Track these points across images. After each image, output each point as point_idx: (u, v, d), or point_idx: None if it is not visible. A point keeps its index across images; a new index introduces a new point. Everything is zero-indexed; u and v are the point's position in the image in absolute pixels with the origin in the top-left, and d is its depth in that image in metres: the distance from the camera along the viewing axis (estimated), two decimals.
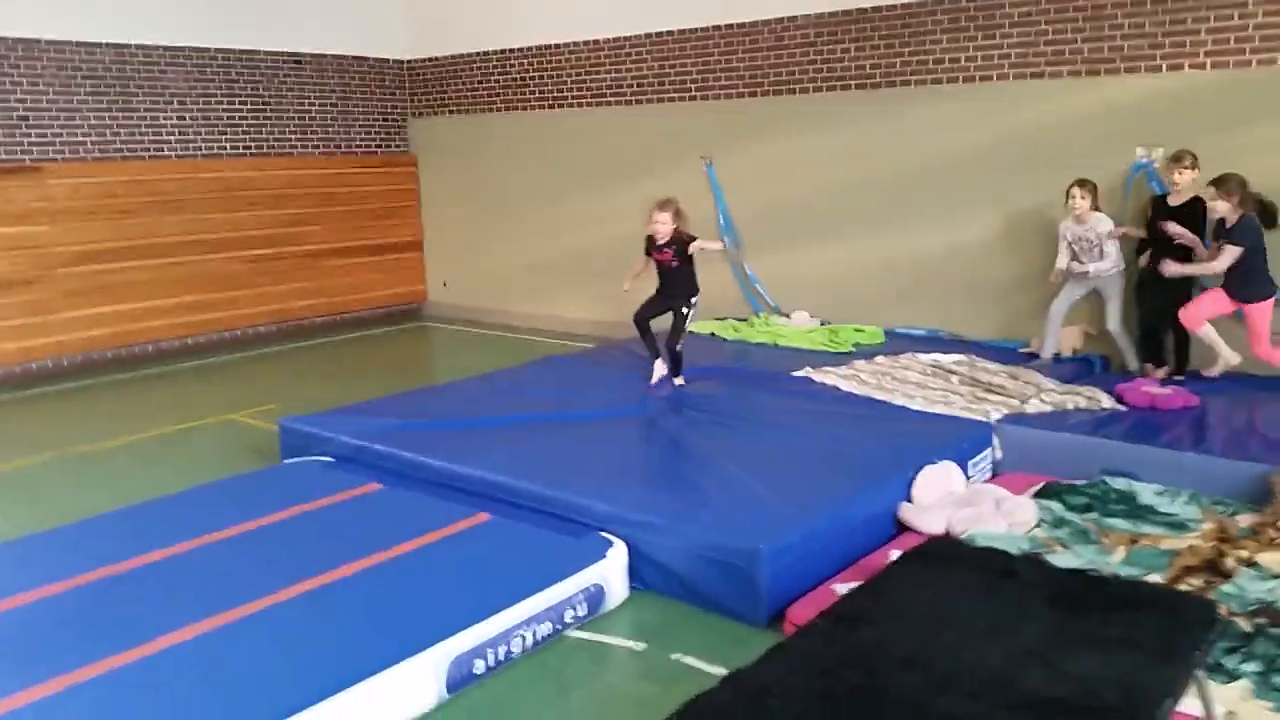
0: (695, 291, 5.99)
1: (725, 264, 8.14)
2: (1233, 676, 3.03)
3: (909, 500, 4.30)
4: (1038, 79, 6.62)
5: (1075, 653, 2.29)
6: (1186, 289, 5.83)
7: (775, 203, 7.87)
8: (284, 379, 8.01)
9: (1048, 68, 6.58)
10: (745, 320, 7.80)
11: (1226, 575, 3.68)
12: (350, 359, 8.82)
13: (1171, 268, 5.67)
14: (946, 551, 2.88)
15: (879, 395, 5.48)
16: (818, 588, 3.63)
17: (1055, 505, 4.34)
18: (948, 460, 4.52)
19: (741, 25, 7.93)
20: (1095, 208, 6.07)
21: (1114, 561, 3.81)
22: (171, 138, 8.99)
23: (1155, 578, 3.65)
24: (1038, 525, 4.15)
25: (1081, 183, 6.06)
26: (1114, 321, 6.12)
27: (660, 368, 6.00)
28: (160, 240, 8.78)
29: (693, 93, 8.27)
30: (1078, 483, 4.58)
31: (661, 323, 6.06)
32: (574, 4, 8.97)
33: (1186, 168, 5.76)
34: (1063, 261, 6.18)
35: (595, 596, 3.64)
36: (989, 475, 4.91)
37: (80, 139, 8.40)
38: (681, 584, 3.77)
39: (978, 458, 4.83)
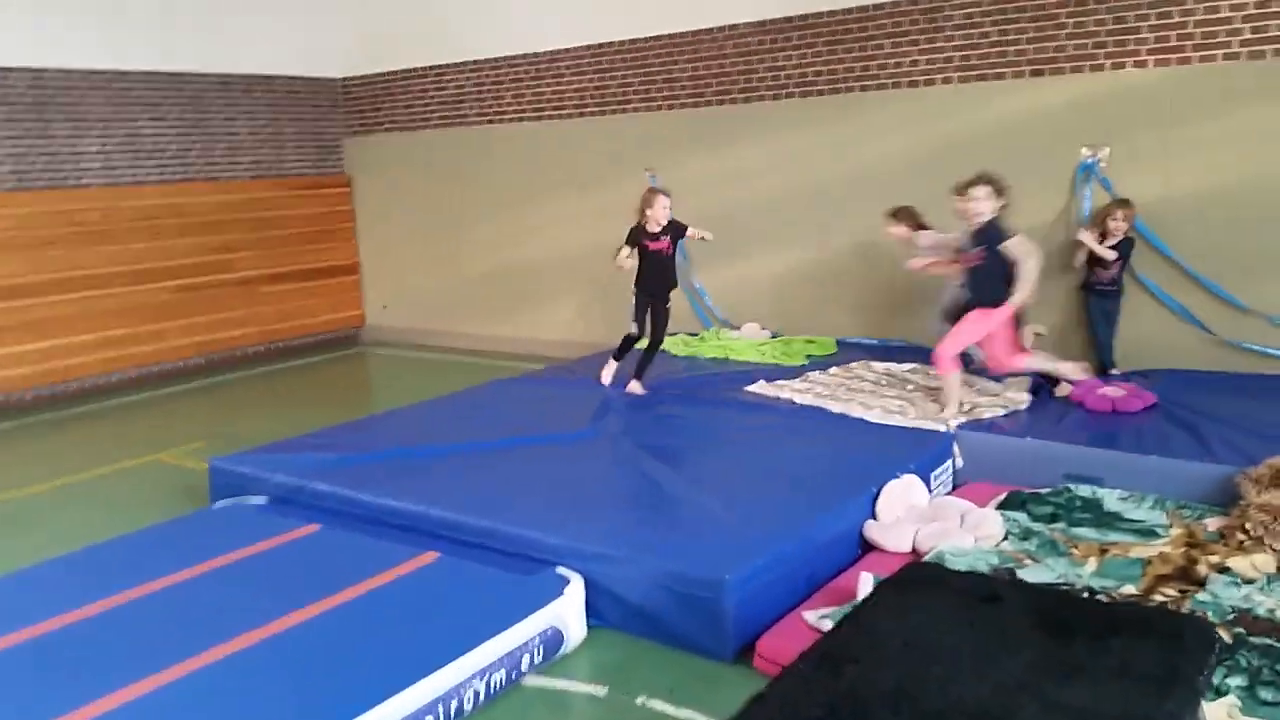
0: (676, 284, 5.83)
1: None
2: (1218, 692, 2.91)
3: (874, 517, 4.15)
4: (982, 81, 6.57)
5: (1069, 684, 2.15)
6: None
7: (722, 213, 7.70)
8: (215, 414, 7.67)
9: (991, 70, 6.54)
10: (696, 335, 7.65)
11: (1200, 583, 3.59)
12: (286, 389, 8.50)
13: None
14: (925, 577, 2.73)
15: (835, 407, 5.34)
16: (786, 616, 3.47)
17: (1020, 516, 4.24)
18: (910, 474, 4.38)
19: (682, 34, 7.80)
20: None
21: (1086, 573, 3.69)
22: (94, 165, 8.61)
23: (1129, 589, 3.54)
24: (1005, 538, 4.03)
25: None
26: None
27: (613, 367, 5.83)
28: (83, 272, 8.38)
29: (635, 104, 8.12)
30: (1041, 490, 4.48)
31: None
32: (510, 18, 8.78)
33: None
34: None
35: (553, 639, 3.43)
36: (950, 486, 4.79)
37: None
38: (642, 619, 3.58)
39: (939, 469, 4.71)
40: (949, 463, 4.78)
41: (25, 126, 8.14)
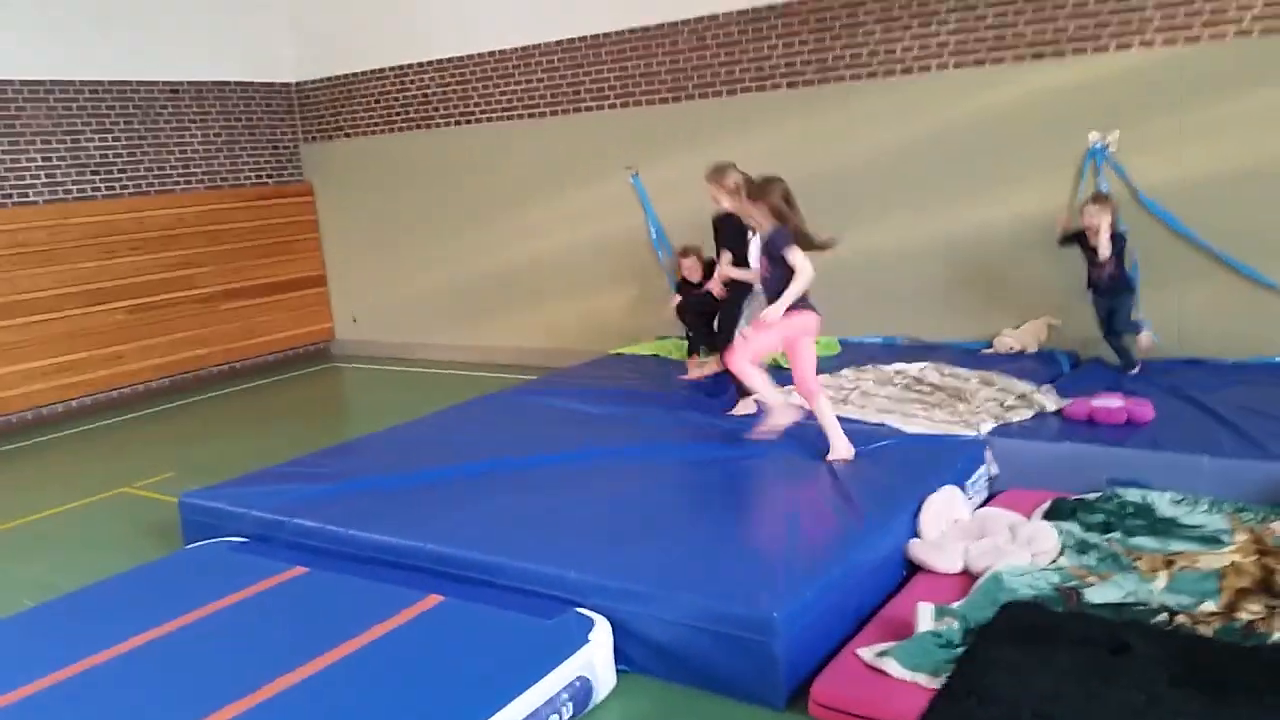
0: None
1: (661, 280, 7.64)
2: None
3: (916, 535, 3.83)
4: (979, 67, 6.28)
5: None
6: None
7: (707, 213, 7.36)
8: (182, 440, 7.19)
9: (990, 54, 6.25)
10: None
11: None
12: (256, 410, 8.03)
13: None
14: (1032, 624, 2.40)
15: (853, 414, 5.01)
16: (839, 654, 3.12)
17: (1071, 526, 3.92)
18: (949, 485, 4.07)
19: (659, 26, 7.45)
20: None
21: (1157, 590, 3.39)
22: (37, 181, 8.08)
23: (1209, 605, 3.23)
24: (1061, 552, 3.72)
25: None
26: None
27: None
28: (30, 296, 7.86)
29: (611, 101, 7.75)
30: (1087, 497, 4.18)
31: None
32: (477, 14, 8.37)
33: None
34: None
35: (582, 692, 3.06)
36: (985, 495, 4.48)
37: None
38: (676, 663, 3.22)
39: (974, 476, 4.40)
40: (983, 470, 4.47)
41: None
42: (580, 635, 3.15)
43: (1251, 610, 3.22)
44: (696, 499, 4.02)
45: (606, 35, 7.70)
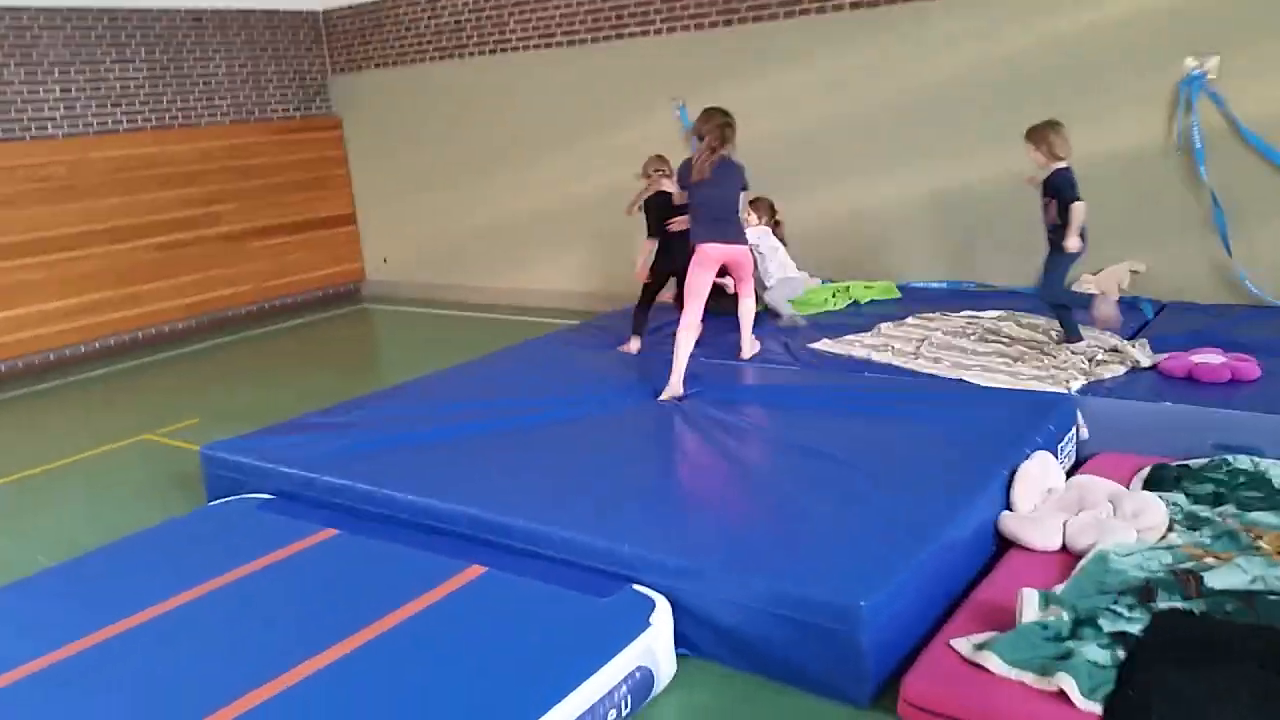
0: None
1: None
2: None
3: (1008, 507, 3.45)
4: None
5: None
6: None
7: (760, 146, 6.85)
8: (207, 384, 6.92)
9: None
10: None
11: None
12: (283, 354, 7.74)
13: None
14: (1193, 636, 2.03)
15: (926, 368, 4.61)
16: (930, 645, 2.77)
17: (1178, 497, 3.53)
18: (1042, 451, 3.67)
19: None
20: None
21: None
22: (56, 114, 7.74)
23: None
24: (1170, 528, 3.33)
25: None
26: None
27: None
28: (51, 233, 7.58)
29: (657, 25, 7.25)
30: (1191, 463, 3.77)
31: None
32: None
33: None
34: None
35: (642, 683, 2.73)
36: (1074, 461, 4.09)
37: None
38: (744, 650, 2.89)
39: (1063, 440, 3.99)
40: (1073, 432, 4.07)
41: None
42: (640, 618, 2.81)
43: None
44: (753, 459, 3.65)
45: None
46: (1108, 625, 2.76)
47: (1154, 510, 3.37)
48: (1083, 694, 2.44)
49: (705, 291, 4.58)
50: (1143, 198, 5.64)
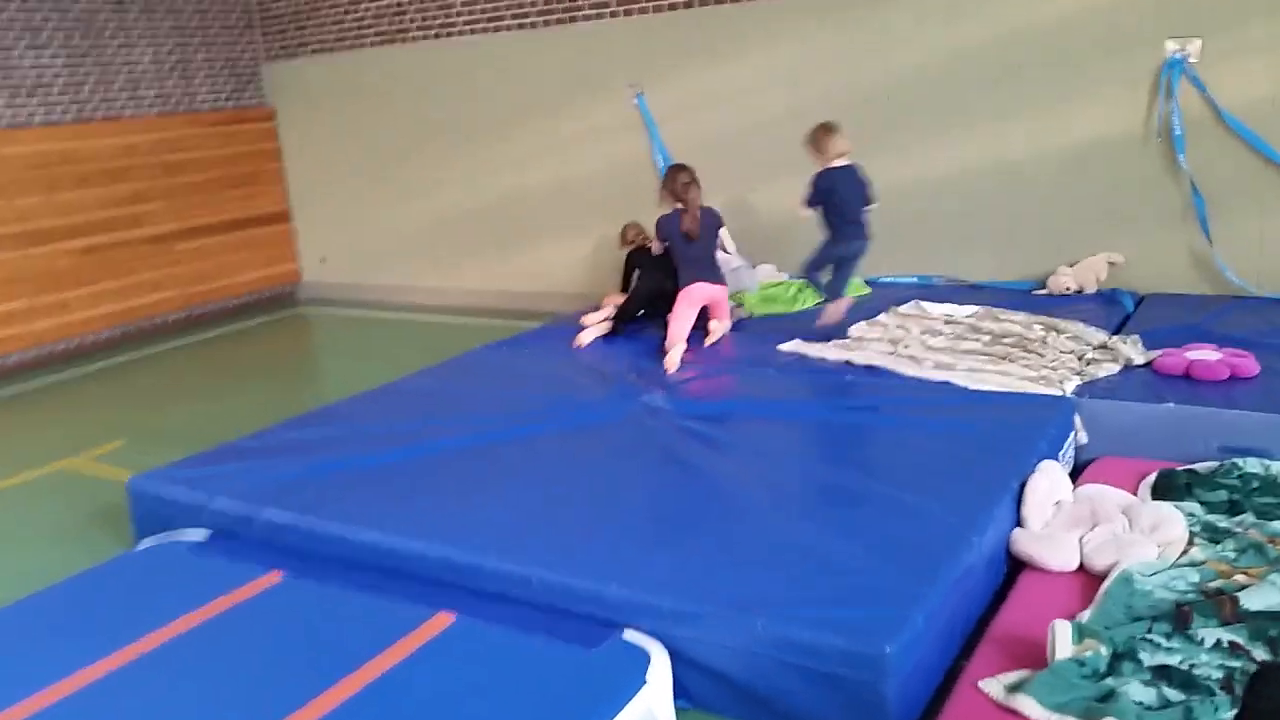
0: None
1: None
2: None
3: (1019, 524, 3.21)
4: None
5: None
6: None
7: (722, 135, 6.63)
8: (134, 400, 6.44)
9: None
10: None
11: None
12: (216, 365, 7.27)
13: None
14: None
15: (909, 370, 4.36)
16: (956, 689, 2.50)
17: (1193, 507, 3.32)
18: (1048, 460, 3.44)
19: None
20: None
21: None
22: None
23: None
24: (1191, 542, 3.12)
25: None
26: None
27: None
28: None
29: (613, 7, 6.90)
30: (1198, 468, 3.57)
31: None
32: None
33: None
34: None
35: None
36: (1071, 466, 3.87)
37: None
38: (750, 701, 2.60)
39: (1064, 446, 3.77)
40: (1071, 437, 3.85)
41: None
42: (635, 674, 2.51)
43: None
44: (740, 479, 3.36)
45: None
46: (1147, 658, 2.54)
47: (1173, 523, 3.15)
48: None
49: (690, 321, 5.04)
50: (1120, 187, 5.46)
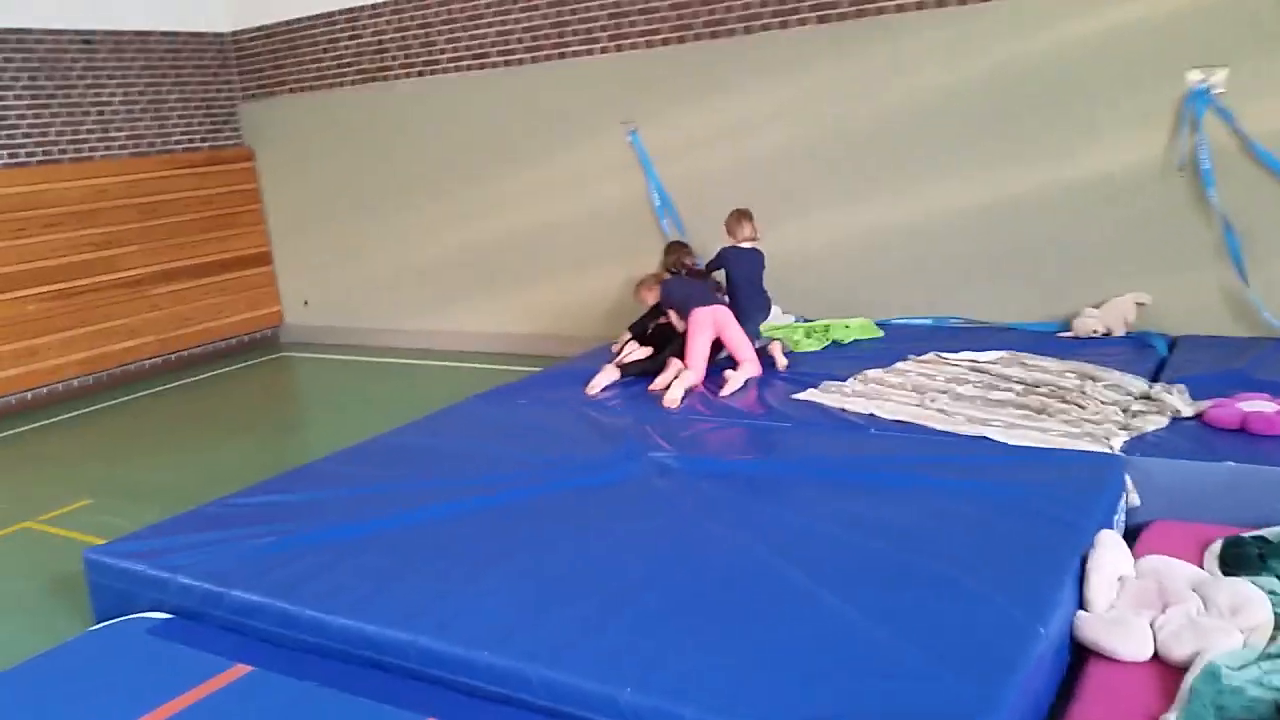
0: None
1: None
2: None
3: (1081, 606, 2.86)
4: None
5: None
6: None
7: (722, 173, 6.34)
8: (104, 454, 6.05)
9: None
10: None
11: None
12: (193, 414, 6.89)
13: None
14: None
15: (940, 424, 4.02)
16: None
17: (1272, 583, 2.97)
18: (1107, 531, 3.10)
19: None
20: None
21: None
22: None
23: None
24: (1278, 626, 2.77)
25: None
26: None
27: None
28: None
29: (603, 43, 6.63)
30: (1267, 534, 3.23)
31: None
32: None
33: None
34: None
35: None
36: (1122, 532, 3.52)
37: None
38: None
39: (1116, 510, 3.43)
40: (1123, 500, 3.51)
41: None
42: None
43: None
44: (784, 560, 2.99)
45: None
46: None
47: (1255, 605, 2.80)
48: None
49: (705, 349, 4.93)
50: (1146, 224, 5.19)
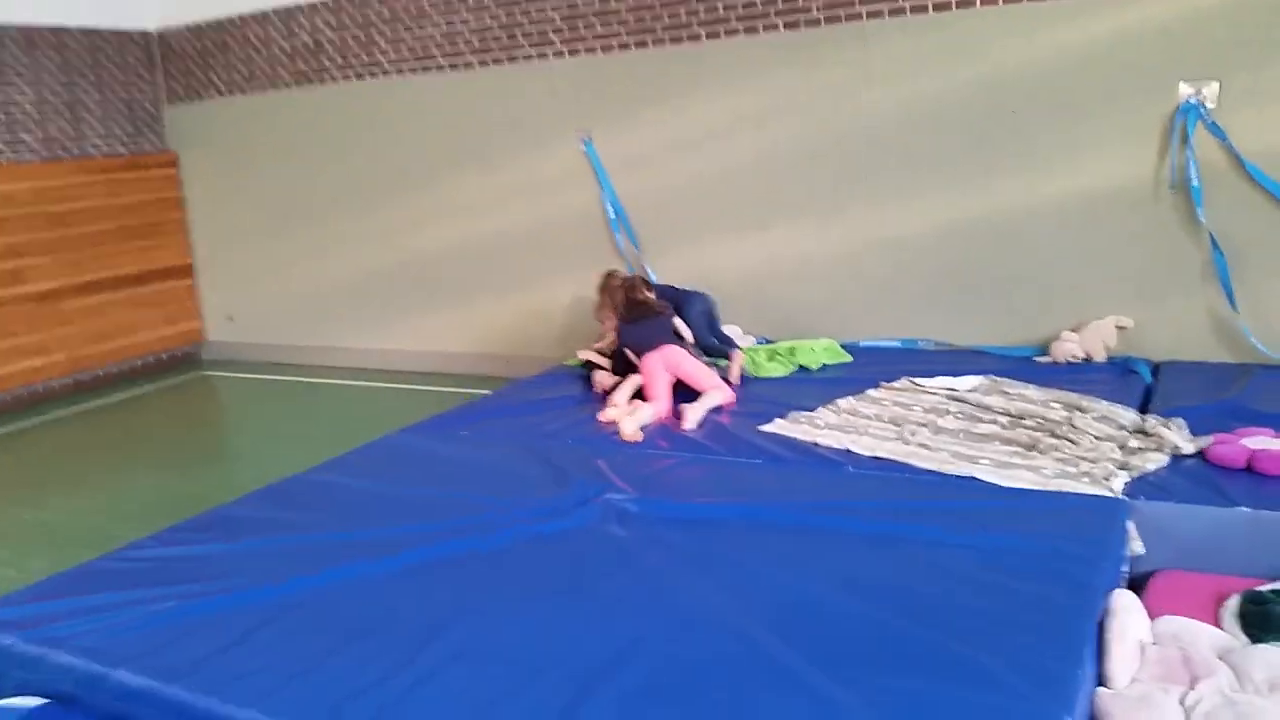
0: None
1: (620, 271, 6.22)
2: None
3: (1102, 682, 2.51)
4: (1035, 1, 4.98)
5: None
6: None
7: (682, 186, 5.99)
8: (7, 485, 5.50)
9: None
10: None
11: None
12: (105, 439, 6.35)
13: None
14: None
15: (923, 462, 3.68)
16: None
17: None
18: (1123, 591, 2.77)
19: None
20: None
21: None
22: None
23: None
24: None
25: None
26: None
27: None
28: None
29: (556, 46, 6.24)
30: None
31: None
32: None
33: None
34: None
35: None
36: (1125, 583, 3.21)
37: None
38: None
39: (1121, 562, 3.11)
40: (1126, 549, 3.19)
41: None
42: None
43: None
44: (768, 632, 2.59)
45: None
46: None
47: None
48: None
49: (664, 384, 4.61)
50: (1128, 243, 4.93)
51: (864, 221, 5.55)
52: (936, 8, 5.15)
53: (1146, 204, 4.85)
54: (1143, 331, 4.94)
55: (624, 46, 6.00)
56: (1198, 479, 3.41)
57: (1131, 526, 3.25)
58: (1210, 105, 4.64)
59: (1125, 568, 3.18)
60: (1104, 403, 4.12)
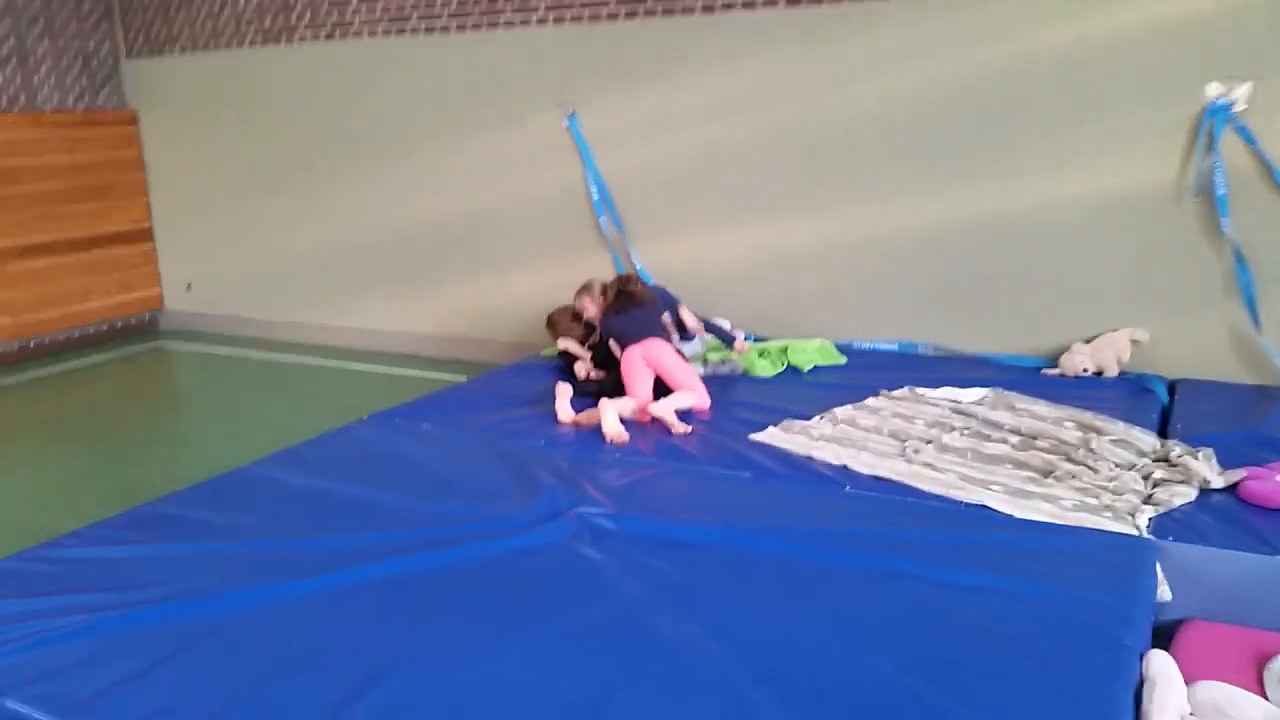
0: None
1: (603, 254, 5.87)
2: None
3: None
4: None
5: None
6: None
7: (669, 168, 5.64)
8: None
9: None
10: None
11: None
12: (48, 413, 5.93)
13: None
14: None
15: (928, 486, 3.35)
16: None
17: None
18: (1159, 652, 2.46)
19: None
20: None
21: None
22: None
23: None
24: None
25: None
26: None
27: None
28: None
29: (540, 13, 5.84)
30: None
31: None
32: None
33: None
34: None
35: None
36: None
37: None
38: None
39: (1151, 611, 2.80)
40: (1153, 595, 2.88)
41: None
42: None
43: None
44: (757, 682, 2.27)
45: None
46: None
47: None
48: None
49: (646, 381, 4.34)
50: (1148, 253, 4.62)
51: (863, 214, 5.21)
52: None
53: (1167, 210, 4.54)
54: (1158, 347, 4.64)
55: (613, 16, 5.61)
56: (1230, 519, 3.11)
57: (1159, 570, 2.94)
58: (1241, 107, 4.32)
59: (1151, 615, 2.88)
60: (1121, 424, 3.81)
